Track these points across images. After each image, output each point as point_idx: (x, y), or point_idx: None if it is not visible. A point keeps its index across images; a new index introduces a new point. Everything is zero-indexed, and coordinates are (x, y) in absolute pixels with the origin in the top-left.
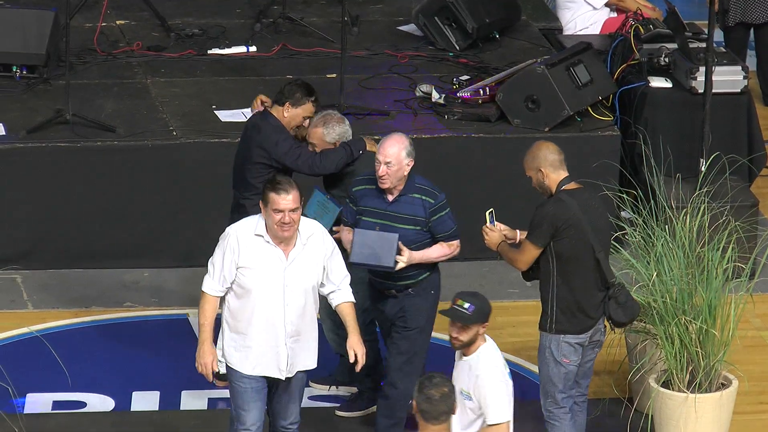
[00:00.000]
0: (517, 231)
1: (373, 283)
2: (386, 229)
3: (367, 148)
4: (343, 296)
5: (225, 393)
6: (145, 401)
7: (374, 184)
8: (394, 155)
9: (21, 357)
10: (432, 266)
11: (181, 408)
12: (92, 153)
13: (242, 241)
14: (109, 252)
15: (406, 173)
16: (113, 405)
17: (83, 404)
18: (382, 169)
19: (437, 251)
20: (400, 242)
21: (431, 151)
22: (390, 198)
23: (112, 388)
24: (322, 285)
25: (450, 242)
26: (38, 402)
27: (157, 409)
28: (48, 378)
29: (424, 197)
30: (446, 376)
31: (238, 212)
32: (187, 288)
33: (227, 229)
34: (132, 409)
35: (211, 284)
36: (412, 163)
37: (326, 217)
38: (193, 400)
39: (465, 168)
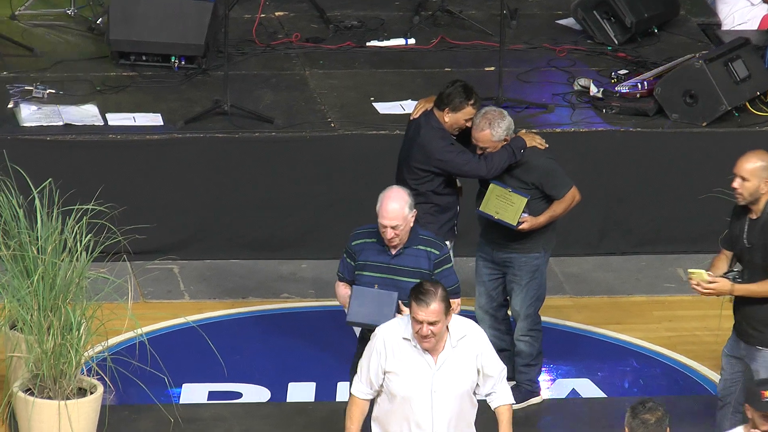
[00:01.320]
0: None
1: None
2: (390, 284)
3: (528, 144)
4: (500, 399)
5: None
6: (301, 392)
7: (375, 237)
8: (399, 216)
9: (177, 347)
10: None
11: (337, 399)
12: (250, 144)
13: (389, 345)
14: (267, 243)
15: (411, 225)
16: (269, 395)
17: (239, 395)
18: (390, 233)
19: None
20: (400, 301)
21: (588, 145)
22: (393, 251)
23: (268, 378)
24: (477, 386)
25: (452, 299)
26: (194, 392)
27: (312, 400)
28: (204, 368)
29: (429, 249)
30: (658, 401)
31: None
32: None
33: (376, 329)
34: (288, 400)
35: (360, 387)
36: (415, 213)
37: (510, 210)
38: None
39: (622, 162)
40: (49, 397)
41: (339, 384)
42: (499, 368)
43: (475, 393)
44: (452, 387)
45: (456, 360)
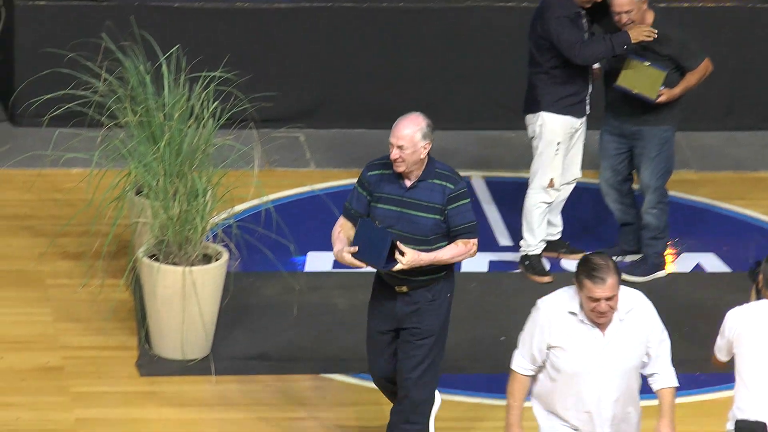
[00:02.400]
0: None
1: (383, 277)
2: (403, 218)
3: (633, 40)
4: (664, 381)
5: (508, 256)
6: None
7: (390, 168)
8: (408, 137)
9: (303, 215)
10: (448, 266)
11: (461, 270)
12: (377, 13)
13: (554, 319)
14: (392, 113)
15: (422, 156)
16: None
17: None
18: (394, 153)
19: (450, 251)
20: (400, 243)
21: (716, 20)
22: (408, 183)
23: None
24: (643, 363)
25: (467, 239)
26: (319, 260)
27: None
28: (329, 237)
29: (444, 183)
30: None
31: (530, 92)
32: (469, 150)
33: (538, 302)
34: None
35: (521, 362)
36: (429, 145)
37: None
38: (473, 262)
39: (750, 37)
40: (174, 263)
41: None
42: (666, 347)
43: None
44: (621, 363)
45: (625, 334)
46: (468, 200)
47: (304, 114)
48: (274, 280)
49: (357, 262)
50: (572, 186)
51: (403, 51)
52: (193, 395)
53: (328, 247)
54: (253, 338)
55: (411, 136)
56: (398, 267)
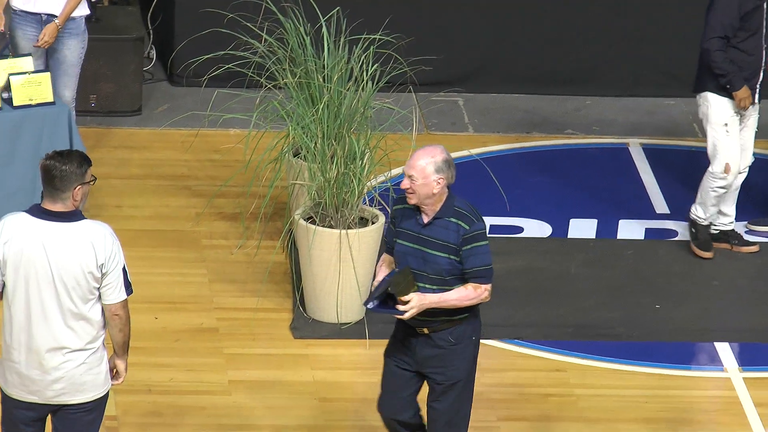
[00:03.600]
0: None
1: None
2: (419, 255)
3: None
4: None
5: (665, 224)
6: (582, 229)
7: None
8: (419, 168)
9: (460, 180)
10: (470, 307)
11: (618, 237)
12: None
13: None
14: (552, 78)
15: (435, 191)
16: (550, 231)
17: (520, 229)
18: (404, 182)
19: (457, 294)
20: (403, 297)
21: None
22: (425, 220)
23: (550, 214)
24: None
25: (478, 284)
26: None
27: (593, 237)
28: (486, 202)
29: (459, 222)
30: None
31: (699, 70)
32: (629, 117)
33: None
34: (569, 236)
35: None
36: (443, 180)
37: None
38: (630, 230)
39: None
40: (331, 226)
41: (621, 221)
42: None
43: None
44: None
45: None
46: (485, 243)
47: (464, 78)
48: None
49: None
50: (744, 175)
51: (564, 15)
52: (347, 359)
53: (485, 212)
54: None
55: (423, 167)
56: (407, 315)
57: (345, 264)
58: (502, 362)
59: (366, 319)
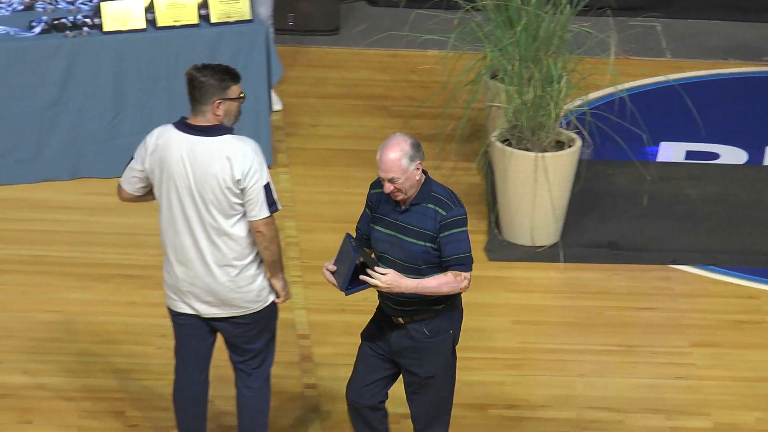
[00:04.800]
0: None
1: (382, 306)
2: (397, 243)
3: None
4: None
5: None
6: None
7: None
8: (396, 167)
9: (657, 105)
10: (448, 298)
11: None
12: None
13: None
14: (751, 4)
15: (417, 178)
16: (746, 158)
17: (716, 155)
18: (388, 187)
19: (436, 280)
20: (379, 266)
21: None
22: (402, 207)
23: (746, 141)
24: None
25: (458, 271)
26: (671, 150)
27: None
28: (682, 128)
29: (437, 208)
30: None
31: None
32: None
33: None
34: (765, 163)
35: None
36: (421, 164)
37: None
38: None
39: None
40: (527, 149)
41: None
42: None
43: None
44: None
45: None
46: (463, 229)
47: (662, 3)
48: (625, 169)
49: (333, 280)
50: None
51: None
52: (541, 282)
53: (681, 138)
54: (603, 227)
55: (398, 163)
56: (384, 287)
57: (540, 187)
58: (694, 288)
59: (561, 242)
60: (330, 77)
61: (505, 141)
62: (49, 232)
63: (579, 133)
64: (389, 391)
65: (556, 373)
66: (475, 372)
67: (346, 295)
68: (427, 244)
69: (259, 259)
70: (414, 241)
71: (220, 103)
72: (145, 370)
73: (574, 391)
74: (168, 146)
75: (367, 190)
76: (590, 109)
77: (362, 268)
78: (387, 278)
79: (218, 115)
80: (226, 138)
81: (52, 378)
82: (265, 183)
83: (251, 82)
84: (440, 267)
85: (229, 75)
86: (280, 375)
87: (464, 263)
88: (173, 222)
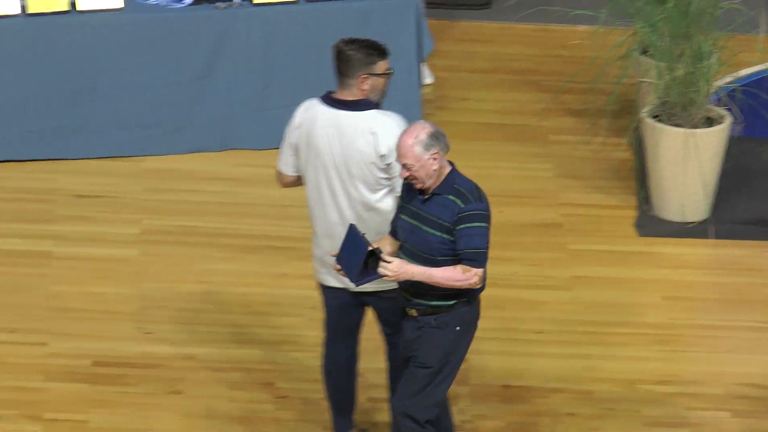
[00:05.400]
0: None
1: (398, 298)
2: (417, 233)
3: None
4: None
5: None
6: None
7: None
8: (409, 154)
9: None
10: (463, 294)
11: None
12: None
13: None
14: None
15: (435, 168)
16: None
17: None
18: (402, 173)
19: (443, 272)
20: (384, 255)
21: None
22: (424, 196)
23: None
24: None
25: (469, 266)
26: None
27: None
28: None
29: (456, 200)
30: None
31: None
32: None
33: None
34: None
35: None
36: (438, 153)
37: None
38: None
39: None
40: (677, 125)
41: None
42: None
43: None
44: None
45: None
46: (481, 224)
47: None
48: None
49: (339, 267)
50: None
51: None
52: (691, 258)
53: None
54: (753, 203)
55: (411, 150)
56: (393, 277)
57: (690, 163)
58: None
59: (711, 218)
60: (480, 51)
61: (656, 117)
62: (198, 203)
63: (729, 110)
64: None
65: (706, 349)
66: (625, 347)
67: (357, 286)
68: (444, 236)
69: None
70: (432, 231)
71: (366, 77)
72: (294, 341)
73: (724, 368)
74: (314, 120)
75: (516, 164)
76: (740, 86)
77: (369, 258)
78: (393, 266)
79: (364, 90)
80: (372, 113)
81: (202, 348)
82: None
83: (402, 56)
84: (456, 260)
85: (376, 50)
86: None
87: (475, 259)
88: (320, 196)
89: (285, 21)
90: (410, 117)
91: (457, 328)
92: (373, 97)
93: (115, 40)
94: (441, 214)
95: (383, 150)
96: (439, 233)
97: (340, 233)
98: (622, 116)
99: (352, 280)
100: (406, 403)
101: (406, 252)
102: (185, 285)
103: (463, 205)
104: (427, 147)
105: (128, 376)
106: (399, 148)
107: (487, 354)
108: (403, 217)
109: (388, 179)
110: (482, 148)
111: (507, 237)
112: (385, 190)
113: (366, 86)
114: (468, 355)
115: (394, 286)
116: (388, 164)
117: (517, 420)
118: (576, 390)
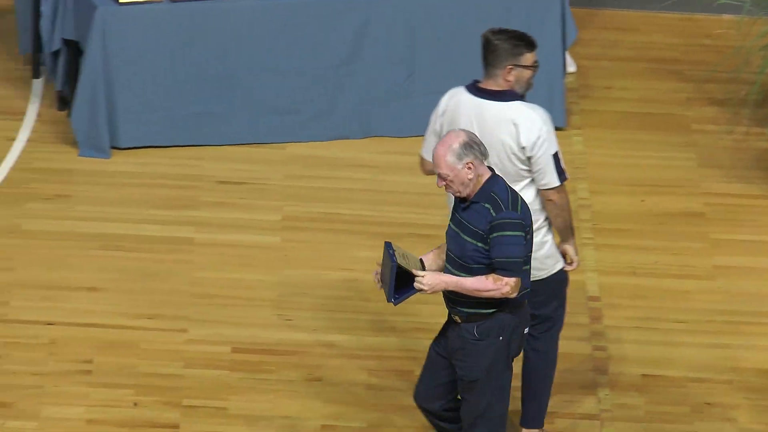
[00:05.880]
0: None
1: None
2: (457, 240)
3: None
4: None
5: None
6: None
7: None
8: (442, 163)
9: None
10: (504, 302)
11: None
12: None
13: None
14: None
15: (470, 177)
16: None
17: None
18: (438, 182)
19: (474, 281)
20: (417, 270)
21: None
22: (464, 203)
23: None
24: None
25: (501, 276)
26: None
27: None
28: None
29: (491, 208)
30: None
31: None
32: None
33: None
34: None
35: None
36: (471, 162)
37: None
38: None
39: None
40: None
41: None
42: None
43: None
44: None
45: None
46: (514, 233)
47: None
48: None
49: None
50: None
51: None
52: None
53: None
54: None
55: (445, 160)
56: (428, 290)
57: None
58: None
59: None
60: (623, 40)
61: None
62: (340, 190)
63: None
64: None
65: None
66: (766, 338)
67: (395, 304)
68: (479, 244)
69: (546, 226)
70: (468, 239)
71: (511, 68)
72: (433, 329)
73: None
74: (458, 108)
75: (658, 153)
76: None
77: (406, 274)
78: (426, 280)
79: (509, 81)
80: (516, 104)
81: (341, 336)
82: (553, 152)
83: (546, 44)
84: (491, 269)
85: (524, 41)
86: (570, 336)
87: (508, 268)
88: None
89: (429, 8)
90: (554, 105)
91: (500, 337)
92: (518, 89)
93: (259, 26)
94: (476, 222)
95: (524, 142)
96: (474, 241)
97: None
98: (765, 106)
99: (387, 299)
100: (466, 422)
101: (449, 260)
102: (326, 272)
103: (495, 214)
104: (459, 156)
105: (267, 362)
106: (434, 158)
107: (627, 343)
108: (450, 223)
109: (529, 171)
110: (625, 137)
111: (649, 226)
112: (525, 182)
113: (511, 77)
114: (607, 344)
115: (533, 278)
116: (530, 157)
117: (655, 409)
118: (715, 380)
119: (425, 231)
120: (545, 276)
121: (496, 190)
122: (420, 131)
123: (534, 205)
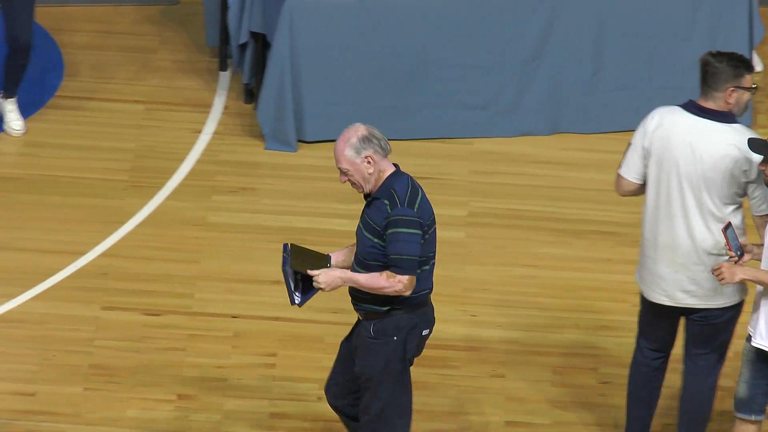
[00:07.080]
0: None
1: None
2: (360, 237)
3: None
4: None
5: None
6: None
7: None
8: (341, 158)
9: None
10: (398, 301)
11: None
12: None
13: None
14: None
15: (369, 172)
16: None
17: None
18: (341, 178)
19: (366, 277)
20: (312, 270)
21: None
22: (368, 200)
23: None
24: None
25: (394, 273)
26: None
27: None
28: None
29: (388, 204)
30: None
31: None
32: None
33: None
34: None
35: None
36: (370, 155)
37: None
38: None
39: None
40: None
41: None
42: None
43: None
44: None
45: None
46: (408, 230)
47: None
48: None
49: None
50: None
51: None
52: None
53: None
54: None
55: (342, 153)
56: (327, 288)
57: None
58: None
59: None
60: None
61: None
62: (526, 186)
63: None
64: None
65: None
66: None
67: (299, 306)
68: (375, 240)
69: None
70: (368, 235)
71: (733, 90)
72: (620, 327)
73: None
74: (674, 126)
75: None
76: None
77: (301, 276)
78: (321, 278)
79: (729, 103)
80: (738, 127)
81: (524, 332)
82: None
83: (732, 42)
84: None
85: (744, 64)
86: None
87: (401, 266)
88: (669, 203)
89: (617, 5)
90: None
91: (395, 337)
92: (735, 111)
93: (446, 20)
94: (375, 218)
95: (746, 165)
96: (371, 237)
97: (685, 244)
98: None
99: (291, 303)
100: (363, 421)
101: (355, 257)
102: (510, 268)
103: (390, 210)
104: (358, 150)
105: (452, 358)
106: (334, 152)
107: None
108: (359, 222)
109: (741, 195)
110: None
111: None
112: (736, 205)
113: (732, 99)
114: None
115: (724, 305)
116: (749, 181)
117: None
118: None
119: (608, 228)
120: (733, 303)
121: (396, 186)
122: (605, 128)
123: (740, 228)
